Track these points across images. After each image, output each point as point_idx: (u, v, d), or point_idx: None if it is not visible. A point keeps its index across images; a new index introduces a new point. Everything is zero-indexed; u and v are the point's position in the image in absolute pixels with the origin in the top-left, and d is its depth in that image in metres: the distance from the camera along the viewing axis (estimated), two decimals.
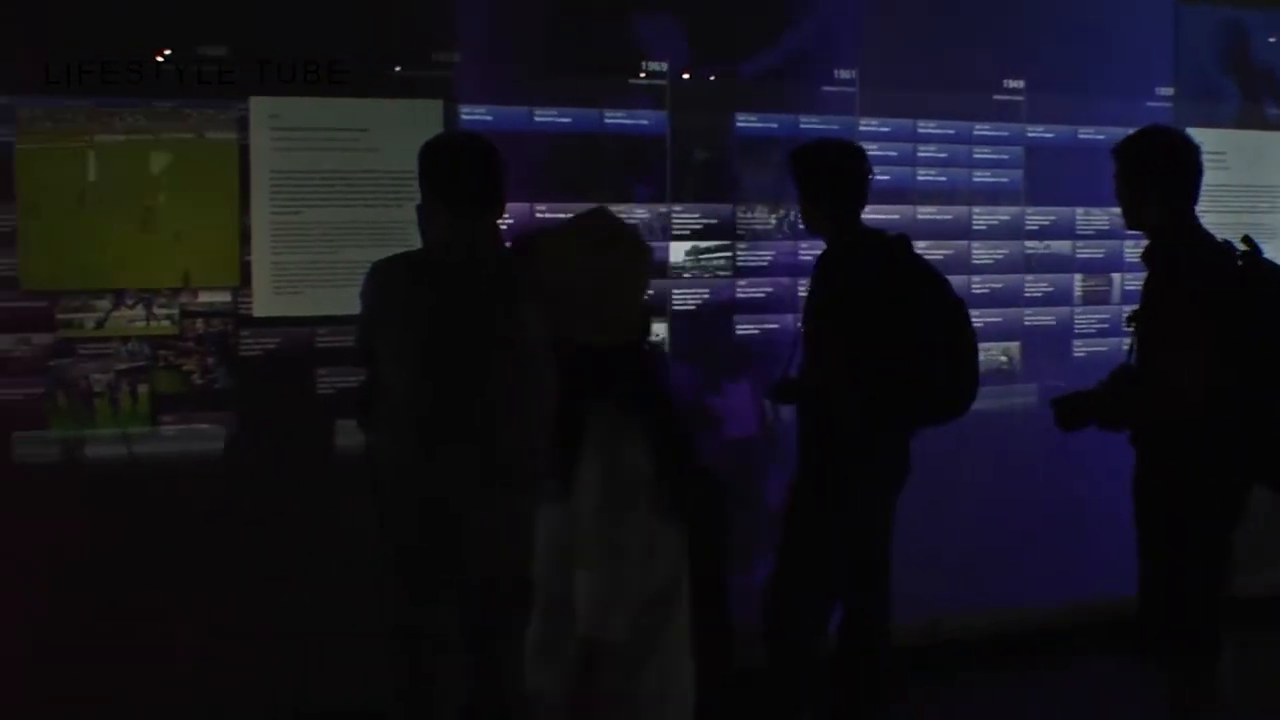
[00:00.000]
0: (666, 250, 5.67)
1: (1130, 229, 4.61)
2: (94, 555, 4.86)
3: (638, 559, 2.84)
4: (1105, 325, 6.50)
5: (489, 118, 5.36)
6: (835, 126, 5.86)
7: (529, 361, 3.94)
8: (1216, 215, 5.42)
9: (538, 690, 3.03)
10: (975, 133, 6.26)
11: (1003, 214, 6.32)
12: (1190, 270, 4.26)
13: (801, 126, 5.83)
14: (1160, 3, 6.57)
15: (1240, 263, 4.26)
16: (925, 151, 6.15)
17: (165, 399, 5.00)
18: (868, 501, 4.71)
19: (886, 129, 6.06)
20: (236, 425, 5.08)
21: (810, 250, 4.79)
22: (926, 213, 6.14)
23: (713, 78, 5.78)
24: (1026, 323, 6.37)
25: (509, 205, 4.26)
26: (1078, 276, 6.49)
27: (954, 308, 4.61)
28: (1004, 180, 6.33)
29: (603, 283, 2.93)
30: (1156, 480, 4.35)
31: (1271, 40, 6.87)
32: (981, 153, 6.28)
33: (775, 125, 5.80)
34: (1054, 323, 6.43)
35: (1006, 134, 6.31)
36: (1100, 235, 6.49)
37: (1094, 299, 6.51)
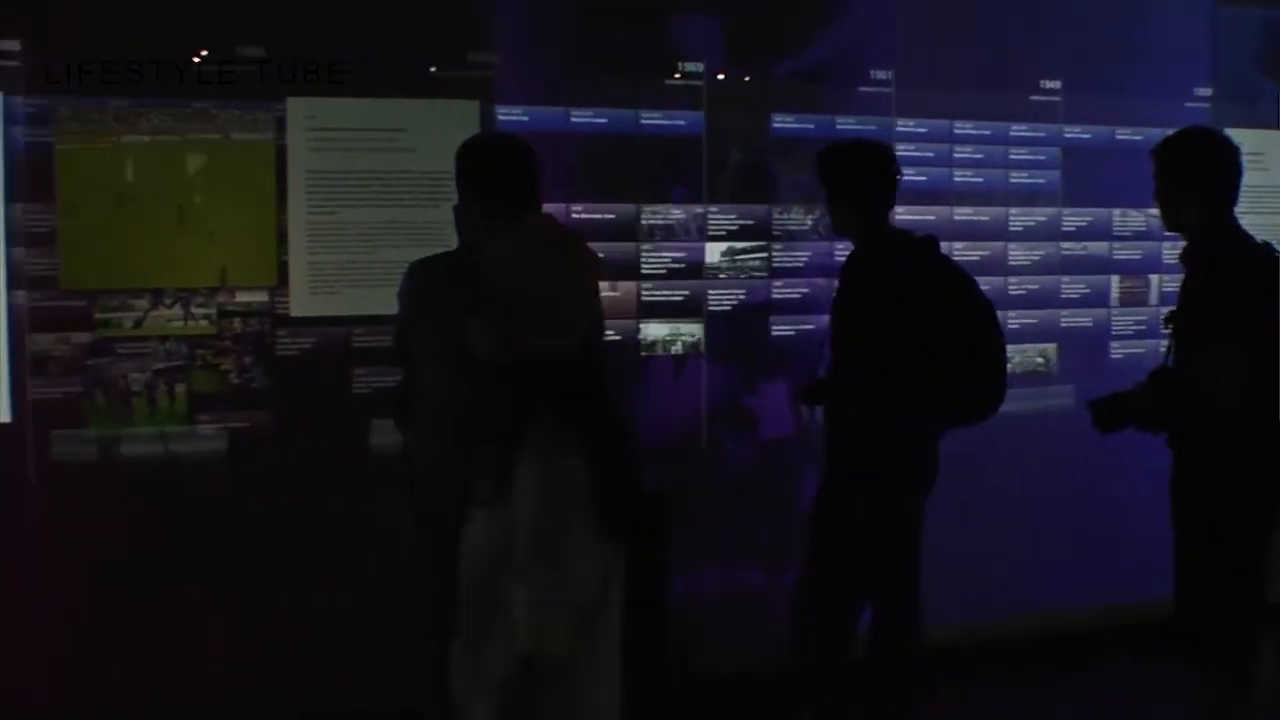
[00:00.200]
0: (702, 251, 5.67)
1: (1169, 230, 4.58)
2: (130, 553, 4.88)
3: (575, 572, 2.83)
4: (1142, 327, 6.47)
5: (525, 118, 5.37)
6: (872, 127, 5.85)
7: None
8: (1256, 216, 5.38)
9: (462, 699, 3.01)
10: (1012, 133, 6.24)
11: (1039, 215, 6.30)
12: (1229, 271, 4.24)
13: (838, 127, 5.81)
14: (1198, 3, 6.54)
15: None
16: (962, 152, 6.13)
17: (202, 398, 5.01)
18: (895, 503, 4.68)
19: (923, 130, 6.05)
20: (273, 424, 5.09)
21: (846, 251, 4.76)
22: (963, 214, 6.12)
23: (749, 78, 5.77)
24: (1063, 324, 6.34)
25: (545, 206, 4.26)
26: (1115, 278, 6.46)
27: (982, 309, 4.58)
28: (1041, 181, 6.31)
29: (545, 290, 2.91)
30: (1194, 481, 4.32)
31: None
32: (1018, 154, 6.26)
33: (811, 126, 5.79)
34: (1091, 324, 6.40)
35: (1043, 135, 6.29)
36: (1138, 236, 6.45)
37: (1131, 300, 6.48)
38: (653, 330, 5.60)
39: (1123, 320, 6.48)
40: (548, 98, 5.43)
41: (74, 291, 4.87)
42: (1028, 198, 6.28)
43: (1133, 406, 4.43)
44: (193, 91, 4.93)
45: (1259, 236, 4.37)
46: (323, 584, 4.91)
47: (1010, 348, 6.04)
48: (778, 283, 5.79)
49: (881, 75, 5.97)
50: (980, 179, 6.17)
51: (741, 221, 5.74)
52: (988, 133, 6.18)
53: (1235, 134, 4.55)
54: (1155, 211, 4.57)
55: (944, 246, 5.68)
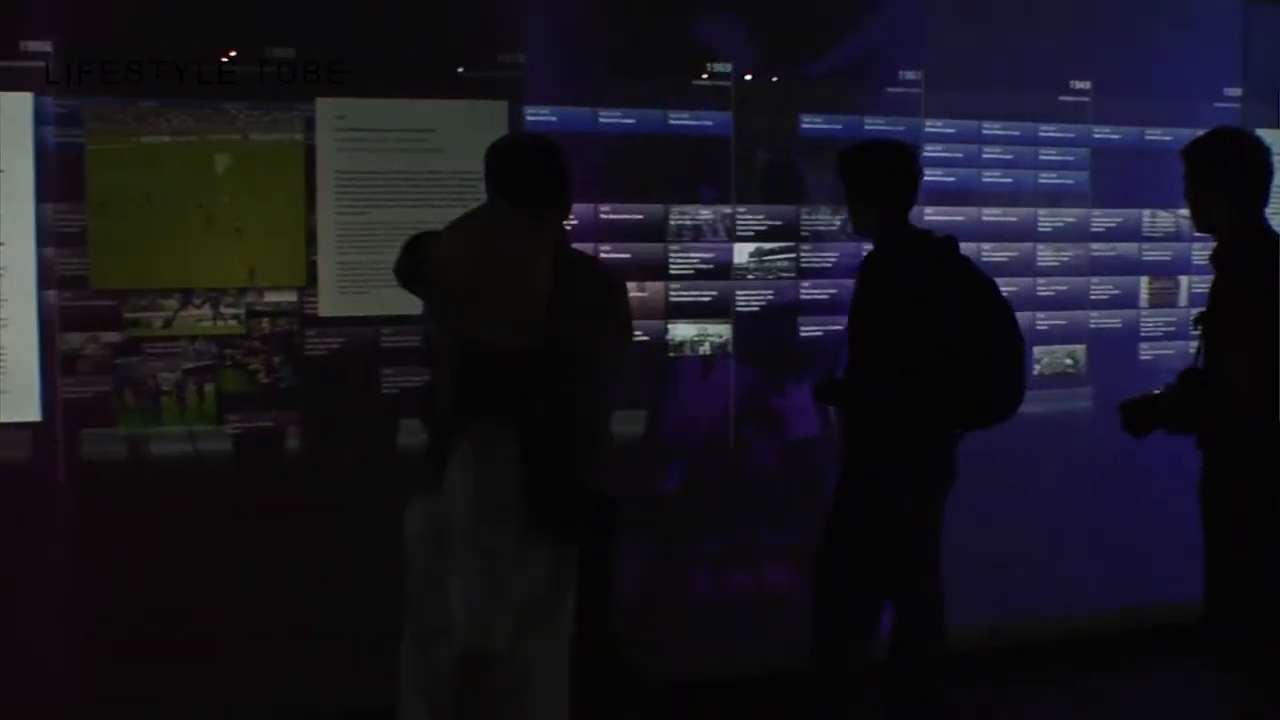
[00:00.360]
0: (730, 251, 5.66)
1: (1199, 231, 4.57)
2: (159, 552, 4.90)
3: (509, 570, 2.76)
4: (1172, 328, 6.44)
5: (554, 119, 5.37)
6: (900, 128, 5.84)
7: (596, 361, 3.96)
8: None
9: (407, 696, 2.98)
10: (1041, 134, 6.22)
11: (1068, 216, 6.28)
12: (1259, 272, 4.23)
13: (866, 128, 5.80)
14: (1228, 2, 6.51)
15: None
16: (990, 153, 6.12)
17: (231, 398, 5.03)
18: (909, 504, 4.65)
19: (951, 130, 6.04)
20: (301, 424, 5.11)
21: None
22: (991, 215, 6.11)
23: (777, 79, 5.77)
24: (1092, 325, 6.32)
25: (574, 206, 4.26)
26: (1144, 279, 6.44)
27: (1001, 311, 4.57)
28: (1069, 182, 6.29)
29: (494, 278, 2.83)
30: (1224, 482, 4.31)
31: None
32: (1047, 154, 6.25)
33: (840, 126, 5.77)
34: (1120, 325, 6.38)
35: (1072, 135, 6.27)
36: (1167, 238, 6.43)
37: (1161, 302, 6.45)
38: (681, 330, 5.60)
39: (1152, 321, 6.45)
40: (576, 98, 5.43)
41: (104, 291, 4.89)
42: (1057, 198, 6.26)
43: (1163, 408, 4.42)
44: (222, 92, 4.95)
45: None
46: (352, 584, 4.91)
47: (1038, 349, 6.09)
48: (806, 283, 5.78)
49: (910, 76, 5.96)
50: (1009, 180, 6.16)
51: (770, 222, 5.74)
52: (1016, 133, 6.17)
53: (1265, 134, 4.54)
54: (1185, 212, 4.56)
55: (972, 248, 5.71)
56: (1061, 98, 6.24)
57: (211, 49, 4.94)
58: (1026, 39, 6.04)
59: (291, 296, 5.07)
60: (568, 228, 4.10)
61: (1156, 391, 4.51)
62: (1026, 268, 6.15)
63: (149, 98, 4.87)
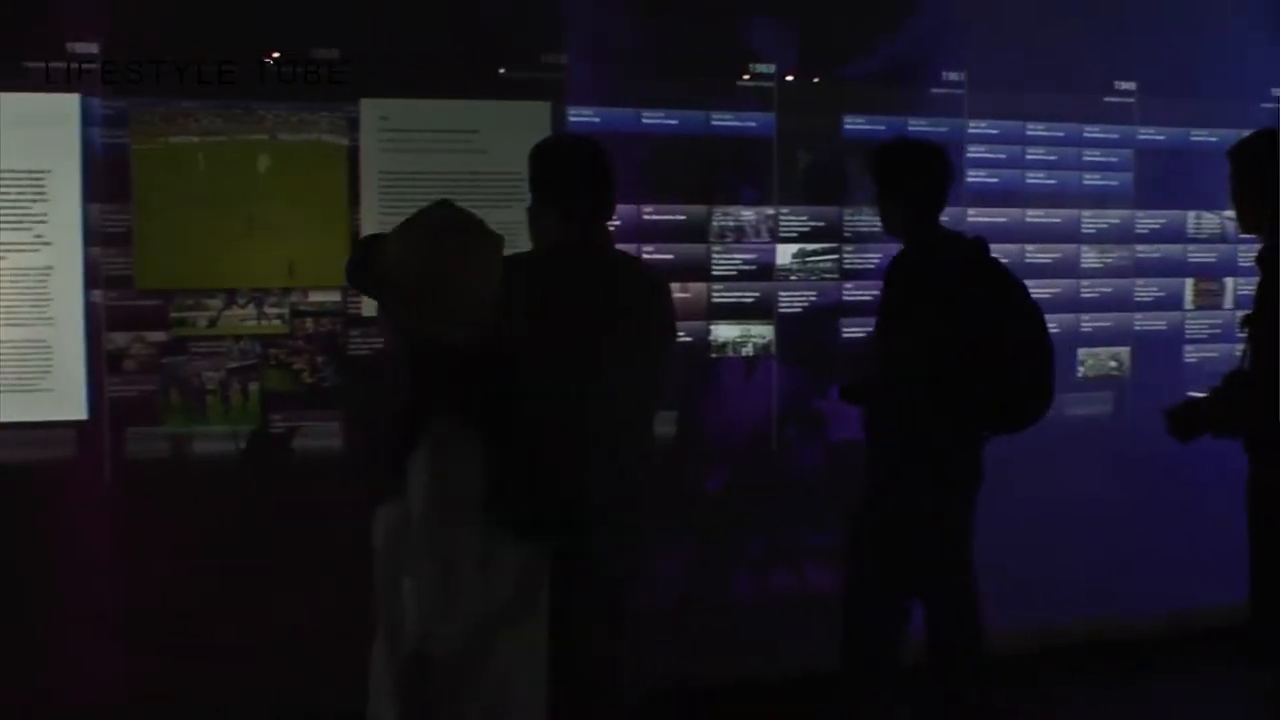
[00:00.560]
0: (773, 252, 5.66)
1: (1245, 232, 4.54)
2: (203, 549, 4.92)
3: (468, 573, 2.74)
4: (1217, 331, 6.41)
5: (596, 119, 5.38)
6: (943, 129, 5.83)
7: (646, 364, 3.96)
8: None
9: (373, 698, 2.95)
10: (1085, 135, 6.20)
11: (1113, 217, 6.26)
12: None
13: (910, 128, 5.78)
14: (1273, 2, 6.47)
15: None
16: (1034, 154, 6.10)
17: (275, 397, 5.05)
18: (929, 504, 4.61)
19: (995, 131, 6.02)
20: (345, 423, 5.13)
21: None
22: (1035, 216, 6.09)
23: (820, 80, 5.76)
24: (1137, 328, 6.29)
25: (617, 207, 4.26)
26: (1189, 281, 6.41)
27: (1031, 313, 4.52)
28: (1114, 183, 6.27)
29: (441, 278, 2.83)
30: (1271, 486, 4.28)
31: None
32: (1091, 155, 6.22)
33: (883, 127, 5.76)
34: (1165, 327, 6.35)
35: (1117, 136, 6.25)
36: (1212, 239, 6.40)
37: (1206, 304, 6.42)
38: (723, 331, 5.60)
39: (1197, 324, 6.42)
40: (619, 99, 5.44)
41: (149, 291, 4.92)
42: (1101, 200, 6.24)
43: (1209, 412, 4.39)
44: (266, 93, 4.97)
45: None
46: None
47: (1082, 351, 6.06)
48: (849, 284, 5.77)
49: (954, 76, 5.95)
50: (1053, 181, 6.14)
51: (813, 223, 5.73)
52: (1061, 134, 6.15)
53: None
54: (1230, 213, 4.53)
55: (1016, 249, 5.69)
56: (1106, 98, 6.22)
57: (257, 50, 4.96)
58: (1071, 39, 6.01)
59: (335, 296, 5.09)
60: (611, 229, 4.08)
61: (1202, 395, 4.48)
62: (1070, 269, 6.13)
63: (194, 99, 4.90)
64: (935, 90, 5.93)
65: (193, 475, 4.99)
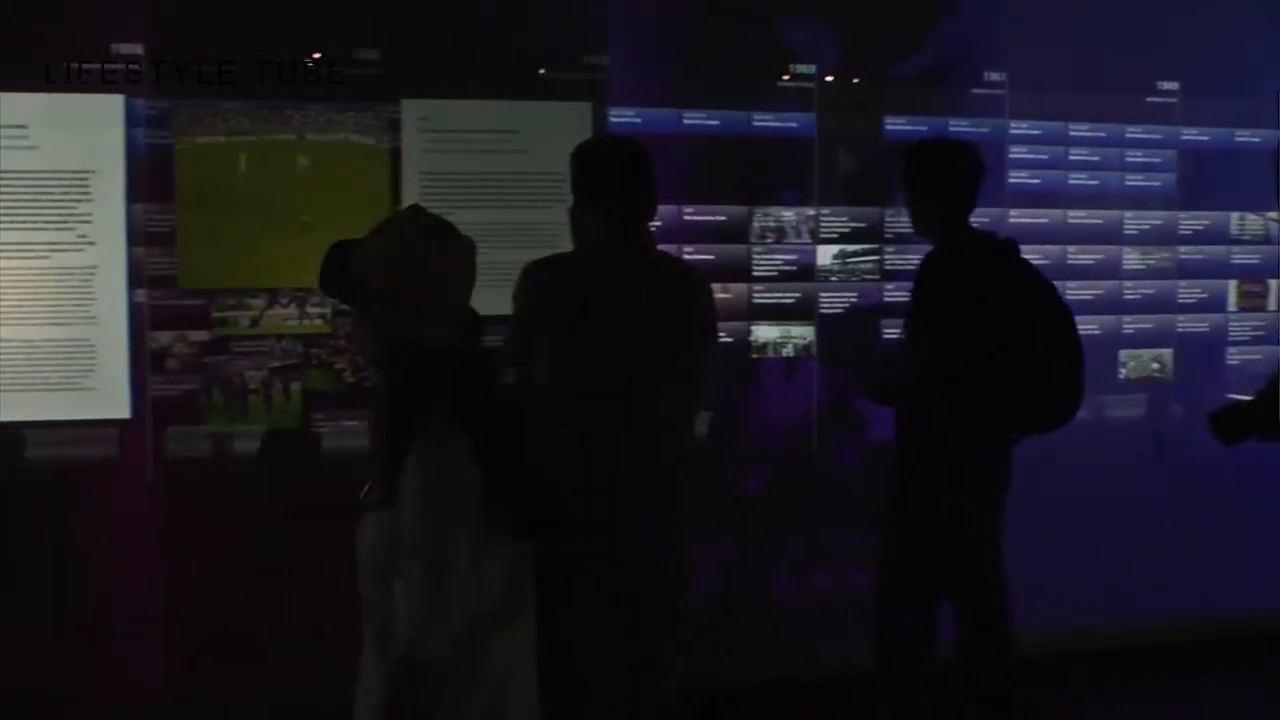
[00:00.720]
0: (814, 253, 5.66)
1: None
2: (243, 549, 4.94)
3: (462, 575, 2.74)
4: (1261, 333, 6.37)
5: (637, 120, 5.39)
6: (985, 129, 5.81)
7: (688, 364, 3.96)
8: None
9: (364, 705, 2.94)
10: (1127, 136, 6.17)
11: (1155, 218, 6.22)
12: None
13: (951, 129, 5.76)
14: None
15: None
16: (1076, 155, 6.07)
17: (317, 396, 5.07)
18: (962, 505, 4.59)
19: (1037, 132, 6.00)
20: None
21: None
22: (1077, 217, 6.06)
23: (861, 80, 5.75)
24: (1179, 329, 6.26)
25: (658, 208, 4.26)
26: (1233, 283, 6.37)
27: (1062, 315, 4.50)
28: (1157, 184, 6.23)
29: (423, 279, 2.83)
30: None
31: None
32: (1134, 156, 6.19)
33: (924, 128, 5.73)
34: (1208, 329, 6.31)
35: (1159, 137, 6.21)
36: (1256, 240, 6.36)
37: (1250, 306, 6.38)
38: (763, 332, 5.60)
39: (1240, 326, 6.38)
40: (660, 100, 5.44)
41: (192, 290, 4.95)
42: (1143, 201, 6.20)
43: (1253, 415, 4.36)
44: (308, 94, 4.99)
45: None
46: None
47: (1124, 353, 6.03)
48: (889, 285, 5.75)
49: (995, 77, 5.93)
50: (1095, 182, 6.11)
51: (853, 224, 5.72)
52: (1103, 135, 6.12)
53: None
54: (1275, 215, 4.50)
55: (1058, 250, 5.66)
56: (1149, 99, 6.19)
57: (299, 52, 4.98)
58: (1113, 39, 5.98)
59: None
60: (652, 229, 4.08)
61: (1246, 398, 4.46)
62: (1113, 271, 6.10)
63: (236, 99, 4.93)
64: (977, 91, 5.91)
65: (234, 474, 5.00)
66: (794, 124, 5.63)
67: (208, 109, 4.91)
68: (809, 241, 5.65)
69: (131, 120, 4.87)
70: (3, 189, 4.77)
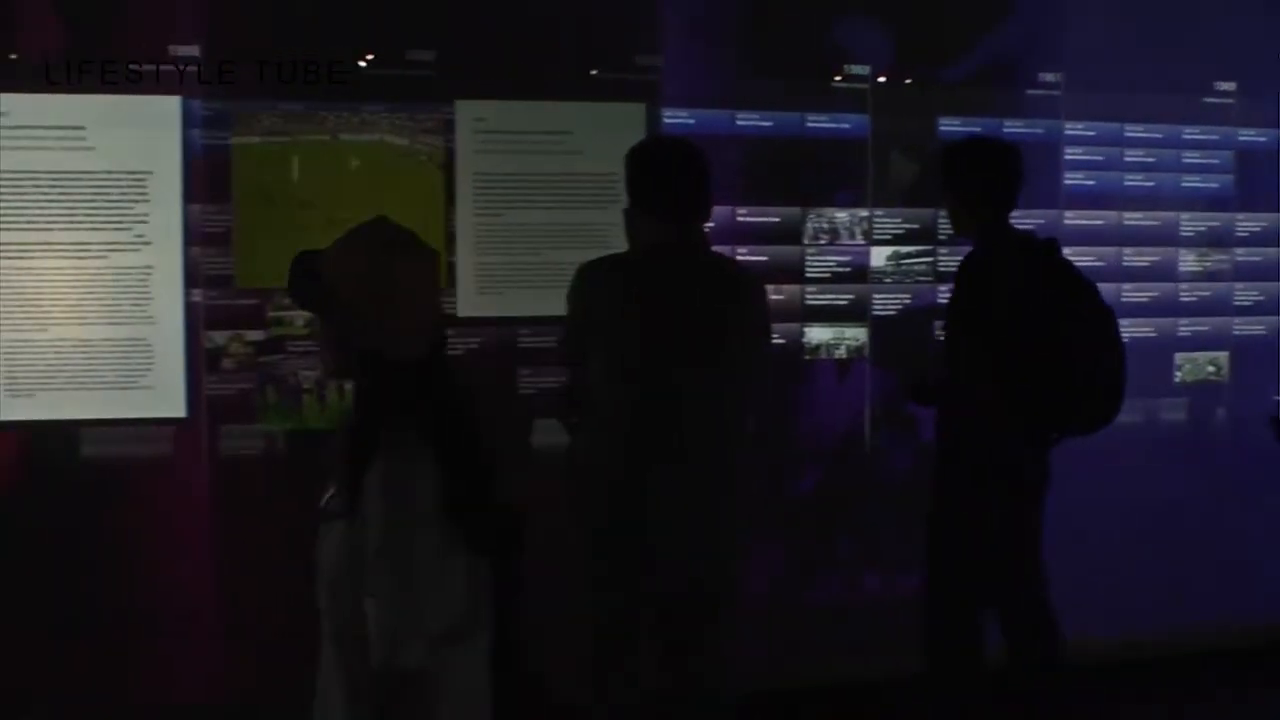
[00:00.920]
0: (867, 254, 5.64)
1: None
2: (296, 548, 4.96)
3: (427, 587, 2.73)
4: None
5: (691, 121, 5.39)
6: (1039, 130, 5.79)
7: (741, 366, 3.96)
8: None
9: (323, 704, 2.93)
10: (1184, 136, 6.13)
11: (1211, 220, 6.18)
12: None
13: (1005, 130, 5.74)
14: None
15: None
16: (1132, 156, 6.04)
17: None
18: (1001, 506, 4.57)
19: (1092, 133, 5.96)
20: None
21: None
22: (1133, 219, 6.03)
23: (915, 81, 5.74)
24: (1235, 332, 6.21)
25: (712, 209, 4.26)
26: None
27: (1103, 316, 4.47)
28: (1213, 185, 6.19)
29: (386, 290, 2.81)
30: None
31: None
32: (1190, 157, 6.15)
33: (978, 129, 5.70)
34: (1264, 332, 6.26)
35: (1216, 138, 6.17)
36: None
37: None
38: (816, 334, 5.59)
39: None
40: (713, 100, 5.44)
41: (248, 290, 4.98)
42: (1200, 202, 6.16)
43: None
44: (363, 95, 5.02)
45: None
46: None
47: (1179, 356, 5.99)
48: (943, 287, 5.72)
49: (1050, 78, 5.90)
50: (1151, 183, 6.07)
51: (907, 225, 5.71)
52: (1159, 136, 6.08)
53: None
54: None
55: (1113, 252, 5.63)
56: (1205, 99, 6.15)
57: (354, 52, 5.01)
58: (1169, 39, 5.95)
59: None
60: (706, 230, 4.09)
61: None
62: (1169, 273, 6.06)
63: (292, 100, 4.95)
64: (1031, 92, 5.88)
65: (288, 473, 5.03)
66: (847, 125, 5.62)
67: (263, 110, 4.94)
68: (862, 243, 5.64)
69: (188, 121, 4.90)
70: (61, 190, 4.81)
